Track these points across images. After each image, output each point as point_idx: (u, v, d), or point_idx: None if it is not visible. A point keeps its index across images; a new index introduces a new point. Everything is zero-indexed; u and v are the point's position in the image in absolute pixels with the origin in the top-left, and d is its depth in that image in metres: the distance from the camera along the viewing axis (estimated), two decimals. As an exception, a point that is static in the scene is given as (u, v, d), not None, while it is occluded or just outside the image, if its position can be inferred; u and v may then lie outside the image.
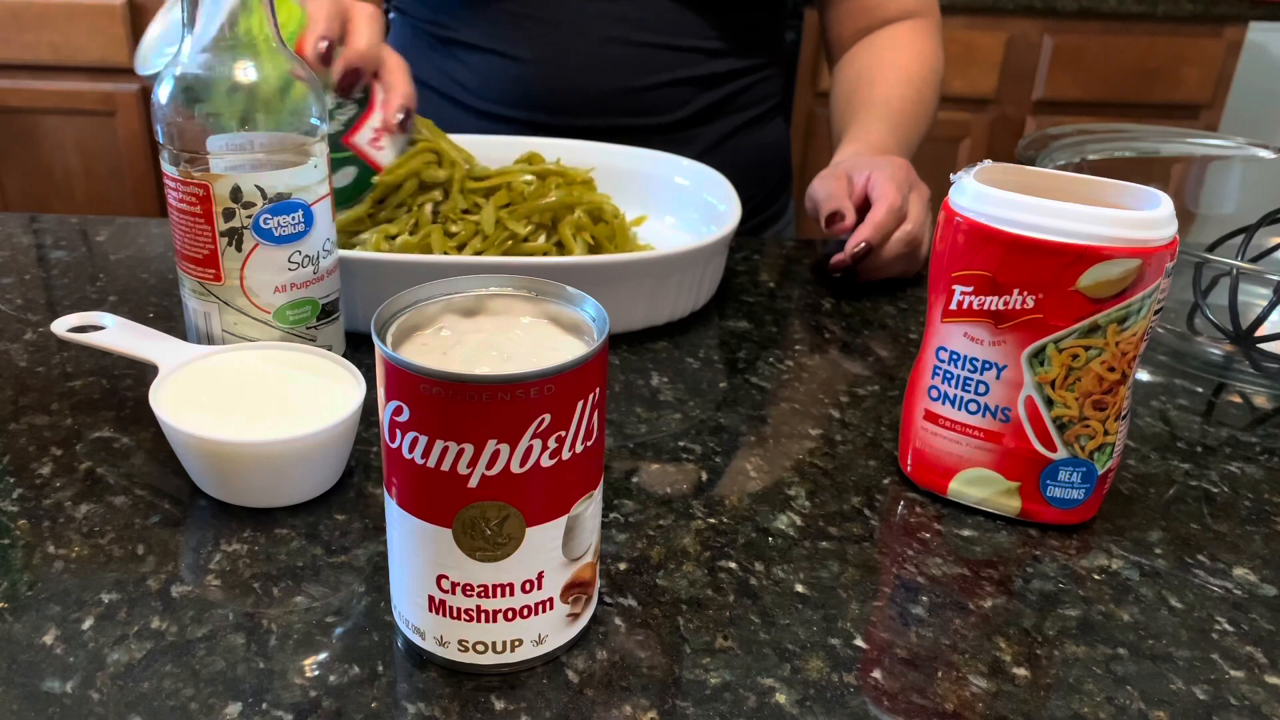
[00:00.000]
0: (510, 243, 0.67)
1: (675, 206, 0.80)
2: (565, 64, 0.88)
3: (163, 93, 0.53)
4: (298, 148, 0.54)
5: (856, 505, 0.51)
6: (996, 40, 2.03)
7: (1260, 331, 0.61)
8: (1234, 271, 0.62)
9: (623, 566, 0.46)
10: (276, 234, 0.54)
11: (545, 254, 0.67)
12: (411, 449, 0.36)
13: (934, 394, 0.52)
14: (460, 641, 0.39)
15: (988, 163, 0.51)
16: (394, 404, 0.36)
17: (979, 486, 0.51)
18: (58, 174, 2.12)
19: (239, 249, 0.54)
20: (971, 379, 0.50)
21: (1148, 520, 0.51)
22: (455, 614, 0.39)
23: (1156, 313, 0.47)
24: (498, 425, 0.35)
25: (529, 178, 0.70)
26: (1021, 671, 0.41)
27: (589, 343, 0.39)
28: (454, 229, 0.68)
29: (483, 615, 0.39)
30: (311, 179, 0.54)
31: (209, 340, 0.57)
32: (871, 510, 0.51)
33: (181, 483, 0.50)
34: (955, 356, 0.50)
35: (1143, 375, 0.66)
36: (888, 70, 0.92)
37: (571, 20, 0.88)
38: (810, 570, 0.47)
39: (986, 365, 0.49)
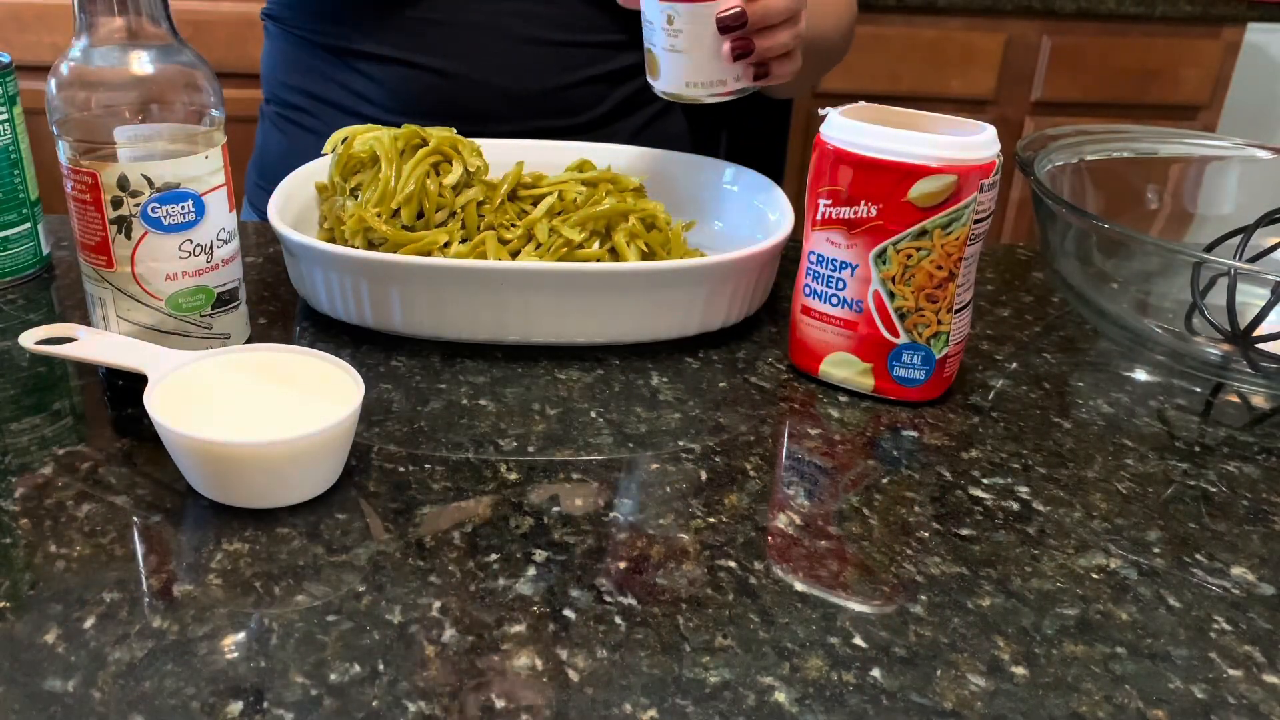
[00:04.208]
0: (565, 249, 0.67)
1: (721, 211, 0.80)
2: (482, 68, 0.86)
3: (55, 83, 0.53)
4: (190, 138, 0.55)
5: (856, 505, 0.52)
6: (995, 41, 2.03)
7: (1258, 331, 0.61)
8: (1232, 271, 0.62)
9: (623, 566, 0.46)
10: (165, 223, 0.54)
11: (599, 260, 0.67)
12: None
13: (807, 291, 0.62)
14: None
15: (861, 103, 0.60)
16: None
17: (841, 367, 0.61)
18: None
19: (128, 237, 0.54)
20: (833, 277, 0.60)
21: (1146, 519, 0.52)
22: None
23: (978, 223, 0.56)
24: None
25: (581, 187, 0.71)
26: (1020, 670, 0.41)
27: None
28: (507, 236, 0.68)
29: None
30: (202, 169, 0.55)
31: (105, 325, 0.57)
32: (871, 510, 0.51)
33: (183, 482, 0.51)
34: (821, 258, 0.60)
35: (1140, 375, 0.66)
36: None
37: (484, 23, 0.85)
38: (809, 569, 0.47)
39: (844, 265, 0.59)
